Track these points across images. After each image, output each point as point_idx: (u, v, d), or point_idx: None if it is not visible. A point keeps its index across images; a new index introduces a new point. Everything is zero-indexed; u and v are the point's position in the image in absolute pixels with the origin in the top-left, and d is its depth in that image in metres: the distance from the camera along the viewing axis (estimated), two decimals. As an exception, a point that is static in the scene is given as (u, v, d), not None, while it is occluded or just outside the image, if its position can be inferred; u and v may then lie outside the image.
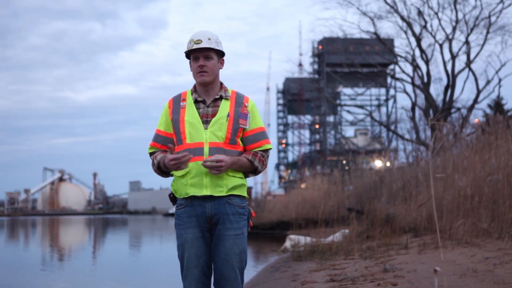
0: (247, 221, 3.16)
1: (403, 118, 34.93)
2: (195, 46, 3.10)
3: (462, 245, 7.48)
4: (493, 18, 23.35)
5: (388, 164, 18.87)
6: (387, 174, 16.41)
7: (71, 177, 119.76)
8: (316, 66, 61.82)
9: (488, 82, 23.97)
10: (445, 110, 23.17)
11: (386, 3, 24.09)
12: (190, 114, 3.12)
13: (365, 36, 26.85)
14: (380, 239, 9.77)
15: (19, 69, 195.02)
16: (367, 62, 31.51)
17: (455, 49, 24.20)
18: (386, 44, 26.24)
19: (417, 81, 25.27)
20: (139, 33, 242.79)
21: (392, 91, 58.42)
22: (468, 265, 5.93)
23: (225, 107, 3.13)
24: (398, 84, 29.28)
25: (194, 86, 3.23)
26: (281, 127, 73.94)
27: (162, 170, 3.17)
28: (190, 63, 3.19)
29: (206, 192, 3.04)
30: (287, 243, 12.11)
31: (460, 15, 23.87)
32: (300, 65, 60.77)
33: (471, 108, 23.49)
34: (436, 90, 30.00)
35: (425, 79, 24.52)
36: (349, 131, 67.66)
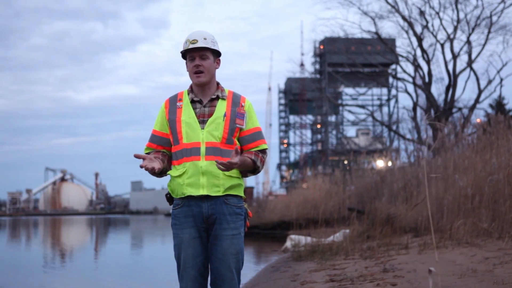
0: (244, 221, 3.16)
1: (405, 118, 34.95)
2: (191, 46, 3.10)
3: (462, 245, 7.47)
4: (494, 18, 23.36)
5: (390, 164, 18.86)
6: (388, 174, 16.40)
7: (73, 177, 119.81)
8: (317, 66, 61.75)
9: (489, 82, 23.96)
10: (447, 110, 23.17)
11: (387, 2, 24.09)
12: (187, 114, 3.12)
13: (366, 36, 26.85)
14: (381, 239, 9.76)
15: (21, 69, 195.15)
16: (368, 62, 31.50)
17: (456, 49, 24.22)
18: (388, 44, 26.22)
19: (419, 81, 25.27)
20: (141, 33, 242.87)
21: (393, 91, 58.37)
22: (468, 265, 5.92)
23: (221, 107, 3.13)
24: (400, 84, 29.25)
25: (191, 86, 3.23)
26: (283, 127, 73.90)
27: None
28: (186, 63, 3.19)
29: (202, 192, 3.04)
30: (288, 243, 12.10)
31: (462, 15, 23.92)
32: (302, 65, 60.88)
33: (472, 108, 23.48)
34: (438, 90, 30.04)
35: (427, 79, 24.50)
36: (350, 131, 67.64)
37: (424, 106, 25.30)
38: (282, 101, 73.43)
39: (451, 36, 24.04)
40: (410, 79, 25.54)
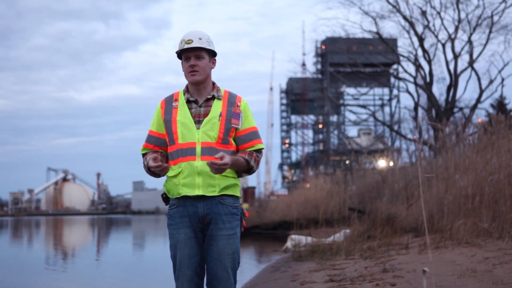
0: (240, 221, 3.15)
1: (406, 118, 34.92)
2: (186, 46, 3.10)
3: (463, 245, 7.47)
4: (495, 18, 23.34)
5: (391, 163, 18.85)
6: (389, 174, 16.39)
7: (75, 177, 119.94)
8: (319, 66, 61.74)
9: (491, 81, 23.92)
10: (448, 110, 23.14)
11: (389, 2, 24.07)
12: (182, 114, 3.11)
13: (367, 36, 26.83)
14: (381, 239, 9.76)
15: (23, 70, 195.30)
16: (370, 62, 31.49)
17: (457, 49, 24.19)
18: (389, 44, 26.20)
19: (420, 81, 25.24)
20: (143, 34, 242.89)
21: (395, 91, 58.33)
22: (467, 265, 5.92)
23: (217, 107, 3.12)
24: (401, 84, 29.22)
25: (186, 86, 3.22)
26: (285, 127, 73.90)
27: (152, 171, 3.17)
28: (182, 63, 3.19)
29: (198, 192, 3.03)
30: (289, 243, 12.10)
31: (463, 15, 23.85)
32: (303, 65, 60.85)
33: (473, 108, 23.45)
34: (439, 90, 29.99)
35: (428, 79, 24.48)
36: (352, 131, 67.64)
37: (425, 106, 25.26)
38: (284, 101, 73.47)
39: (452, 36, 24.02)
40: (411, 79, 25.52)
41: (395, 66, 43.38)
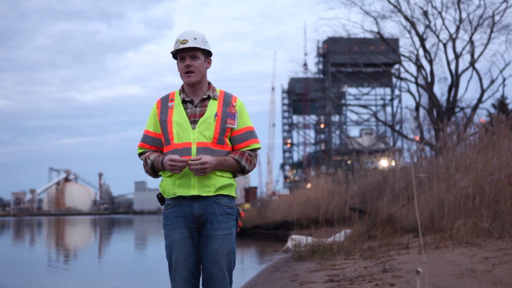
0: (236, 221, 3.14)
1: (408, 117, 34.89)
2: (181, 46, 3.10)
3: (463, 245, 7.46)
4: (497, 17, 23.26)
5: (393, 163, 18.84)
6: (390, 174, 16.38)
7: (77, 177, 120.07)
8: (321, 66, 61.74)
9: (492, 81, 23.87)
10: (449, 110, 23.11)
11: (390, 2, 24.03)
12: (178, 114, 3.11)
13: (368, 35, 26.79)
14: (382, 239, 9.76)
15: (25, 70, 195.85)
16: (371, 62, 31.45)
17: (459, 49, 24.13)
18: (390, 44, 26.16)
19: (421, 81, 25.20)
20: (145, 34, 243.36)
21: (397, 91, 58.29)
22: (467, 265, 5.91)
23: (213, 107, 3.12)
24: (403, 84, 29.19)
25: (182, 86, 3.22)
26: (286, 127, 73.92)
27: (155, 170, 3.16)
28: (177, 63, 3.18)
29: (193, 192, 3.03)
30: (289, 243, 12.10)
31: (464, 15, 23.79)
32: (305, 65, 60.68)
33: (475, 108, 23.40)
34: (441, 90, 29.94)
35: (429, 79, 24.44)
36: (354, 131, 67.70)
37: (426, 106, 25.22)
38: (286, 101, 73.47)
39: (454, 36, 23.97)
40: (413, 79, 25.46)
41: (396, 66, 43.32)
